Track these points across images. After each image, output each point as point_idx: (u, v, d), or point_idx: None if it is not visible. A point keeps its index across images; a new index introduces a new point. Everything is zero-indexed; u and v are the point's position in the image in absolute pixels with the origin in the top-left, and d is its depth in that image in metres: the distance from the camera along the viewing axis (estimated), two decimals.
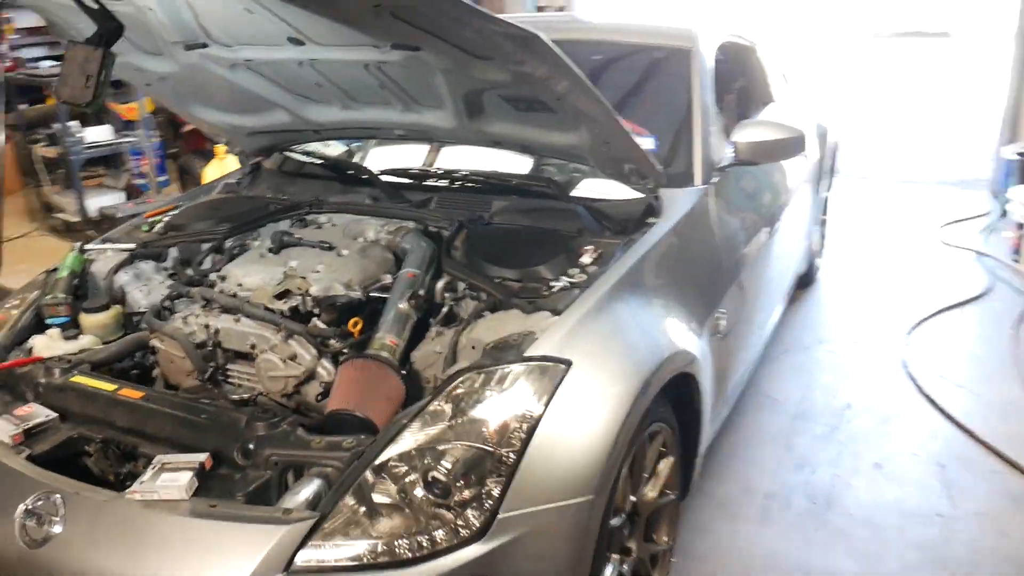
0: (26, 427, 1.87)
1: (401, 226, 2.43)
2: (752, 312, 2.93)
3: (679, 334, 2.15)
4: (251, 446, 1.74)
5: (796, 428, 3.25)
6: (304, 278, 2.18)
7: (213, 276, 2.33)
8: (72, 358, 2.14)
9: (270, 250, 2.37)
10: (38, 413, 1.93)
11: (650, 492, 2.15)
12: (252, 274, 2.26)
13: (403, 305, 2.09)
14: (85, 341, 2.24)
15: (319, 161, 3.04)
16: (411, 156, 2.92)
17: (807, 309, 4.38)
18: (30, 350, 2.22)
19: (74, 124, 5.63)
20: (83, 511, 1.67)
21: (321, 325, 2.10)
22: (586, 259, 2.19)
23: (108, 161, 6.32)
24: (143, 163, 6.04)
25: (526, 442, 1.67)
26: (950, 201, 6.24)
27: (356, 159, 3.10)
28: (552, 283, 2.09)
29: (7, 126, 5.24)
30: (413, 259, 2.25)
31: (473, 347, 1.95)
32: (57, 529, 1.64)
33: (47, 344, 2.22)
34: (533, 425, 1.69)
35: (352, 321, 2.07)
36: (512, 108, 2.29)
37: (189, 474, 1.67)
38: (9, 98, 5.60)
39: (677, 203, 2.49)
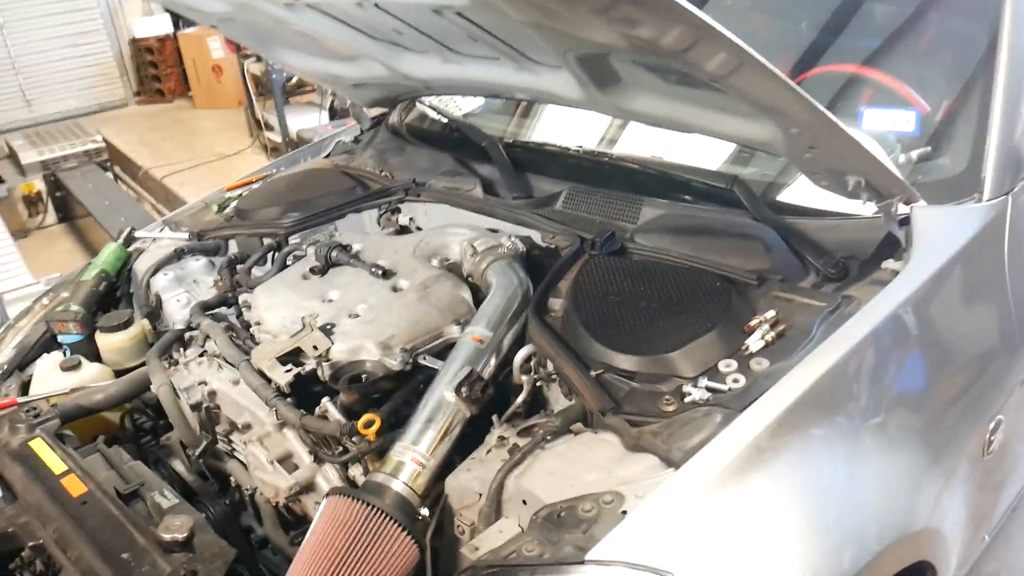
0: None
1: (496, 244, 1.67)
2: None
3: (914, 500, 1.24)
4: None
5: None
6: (330, 330, 1.50)
7: (242, 299, 1.73)
8: (60, 401, 1.65)
9: (313, 270, 1.71)
10: None
11: None
12: (277, 307, 1.62)
13: (449, 395, 1.34)
14: (88, 373, 1.75)
15: (443, 119, 2.31)
16: (580, 127, 2.08)
17: None
18: (29, 379, 1.77)
19: None
20: None
21: (334, 411, 1.41)
22: (755, 341, 1.31)
23: None
24: None
25: None
26: None
27: (520, 122, 2.31)
28: (687, 388, 1.25)
29: None
30: (490, 309, 1.49)
31: (524, 501, 1.19)
32: None
33: (43, 376, 1.75)
34: None
35: (364, 419, 1.34)
36: (660, 80, 1.41)
37: None
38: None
39: (944, 232, 1.48)
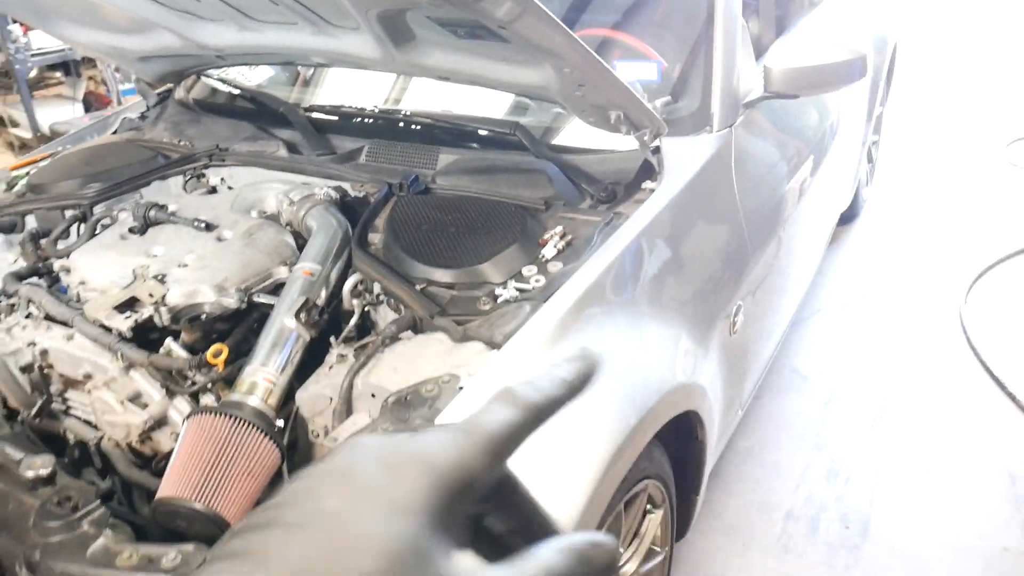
0: None
1: (309, 194, 1.82)
2: (782, 277, 2.30)
3: (680, 359, 1.56)
4: (37, 557, 1.20)
5: (828, 418, 2.66)
6: (162, 279, 1.59)
7: (57, 265, 1.75)
8: None
9: (132, 229, 1.77)
10: None
11: (631, 565, 1.60)
12: (101, 266, 1.67)
13: (289, 321, 1.49)
14: None
15: (235, 91, 2.40)
16: (369, 88, 2.25)
17: (848, 254, 3.70)
18: None
19: (15, 28, 4.95)
20: None
21: (178, 350, 1.51)
22: (549, 250, 1.58)
23: (67, 68, 5.66)
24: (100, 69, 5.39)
25: None
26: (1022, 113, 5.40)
27: (303, 90, 2.44)
28: (498, 291, 1.49)
29: None
30: (314, 248, 1.65)
31: (373, 395, 1.37)
32: None
33: None
34: None
35: (213, 349, 1.47)
36: (451, 35, 1.63)
37: None
38: None
39: (686, 157, 1.84)
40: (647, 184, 1.76)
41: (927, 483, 2.39)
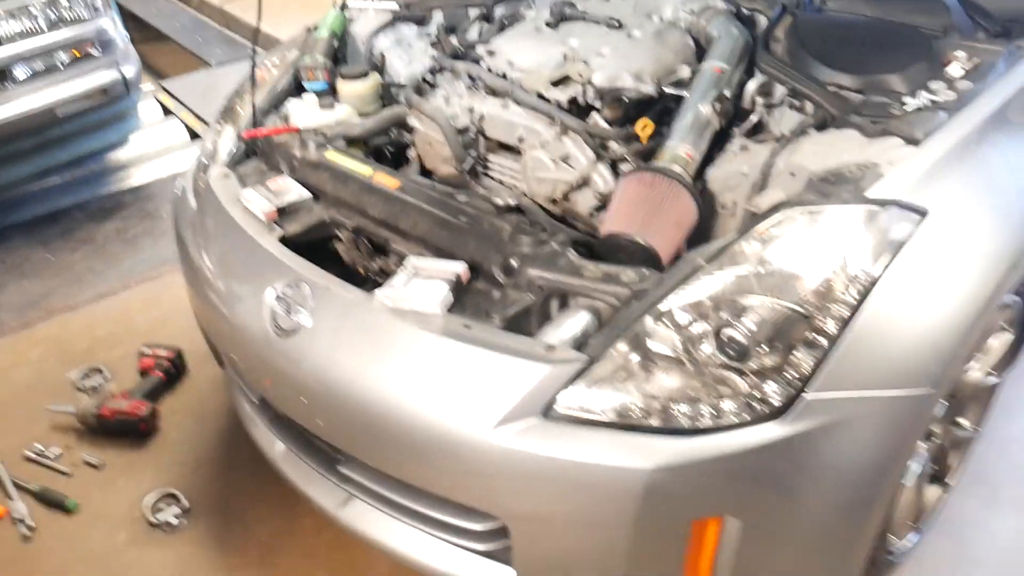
0: (280, 204, 1.74)
1: (708, 6, 1.96)
2: None
3: None
4: (514, 263, 1.49)
5: None
6: (587, 63, 1.81)
7: (481, 50, 2.01)
8: (328, 131, 1.95)
9: (548, 24, 2.00)
10: (291, 188, 1.79)
11: (975, 372, 1.72)
12: (525, 52, 1.92)
13: (704, 108, 1.68)
14: (341, 112, 2.04)
15: None
16: None
17: None
18: (286, 116, 2.06)
19: None
20: (331, 307, 1.53)
21: (603, 123, 1.74)
22: (956, 70, 1.65)
23: None
24: None
25: (855, 310, 1.29)
26: None
27: None
28: (906, 99, 1.59)
29: None
30: (721, 50, 1.81)
31: (793, 174, 1.53)
32: (306, 321, 1.52)
33: (303, 111, 2.04)
34: (866, 289, 1.30)
35: (641, 123, 1.69)
36: None
37: (445, 287, 1.46)
38: None
39: None
40: None
41: None
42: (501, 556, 1.51)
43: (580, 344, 1.37)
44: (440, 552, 1.58)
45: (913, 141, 1.48)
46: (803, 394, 1.27)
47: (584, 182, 1.74)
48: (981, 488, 2.06)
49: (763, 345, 1.29)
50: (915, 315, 1.33)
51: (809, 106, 1.66)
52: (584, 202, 1.75)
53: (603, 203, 1.71)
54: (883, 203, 1.36)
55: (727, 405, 1.28)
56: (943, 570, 1.90)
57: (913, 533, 1.84)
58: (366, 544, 1.68)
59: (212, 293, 1.74)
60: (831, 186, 1.44)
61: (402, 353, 1.43)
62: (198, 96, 4.27)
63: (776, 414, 1.28)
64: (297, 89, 2.16)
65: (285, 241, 1.68)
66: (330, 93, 2.10)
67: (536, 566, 1.48)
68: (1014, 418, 2.22)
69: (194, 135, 4.12)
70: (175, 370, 2.49)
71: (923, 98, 1.58)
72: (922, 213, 1.36)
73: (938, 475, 1.90)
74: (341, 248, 1.76)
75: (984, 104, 1.53)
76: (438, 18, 2.28)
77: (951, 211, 1.39)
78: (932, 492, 1.90)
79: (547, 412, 1.32)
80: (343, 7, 2.30)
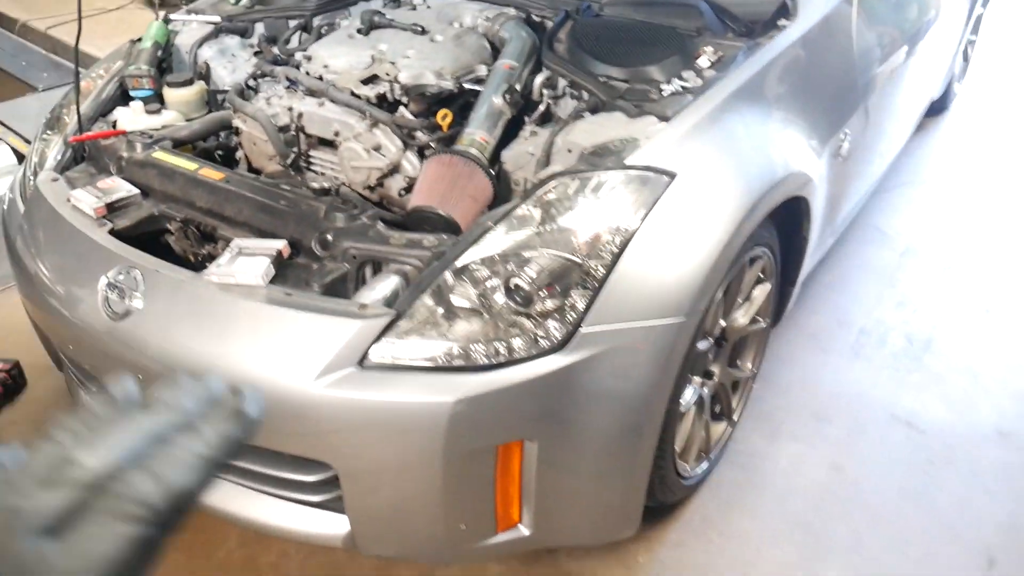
0: (108, 200, 1.84)
1: (501, 12, 2.22)
2: (876, 138, 2.65)
3: (797, 153, 1.94)
4: (329, 237, 1.67)
5: (903, 265, 3.04)
6: (393, 63, 2.02)
7: (299, 56, 2.19)
8: (154, 133, 2.07)
9: (359, 31, 2.20)
10: (120, 187, 1.90)
11: (741, 318, 2.03)
12: (339, 56, 2.11)
13: (497, 99, 1.92)
14: (168, 117, 2.17)
15: None
16: None
17: (934, 140, 4.00)
18: (114, 123, 2.16)
19: None
20: (162, 289, 1.65)
21: (408, 115, 1.96)
22: (704, 62, 1.97)
23: None
24: None
25: (617, 256, 1.55)
26: None
27: None
28: (663, 86, 1.89)
29: None
30: (512, 50, 2.06)
31: (569, 150, 1.79)
32: (138, 304, 1.64)
33: (130, 117, 2.15)
34: (627, 239, 1.56)
35: (441, 113, 1.92)
36: None
37: (266, 261, 1.62)
38: None
39: (814, 6, 2.19)
40: (782, 22, 2.11)
41: (984, 316, 2.76)
42: (334, 506, 1.67)
43: (391, 302, 1.56)
44: (279, 509, 1.72)
45: (665, 119, 1.76)
46: (579, 329, 1.51)
47: (395, 168, 1.94)
48: (766, 424, 2.39)
49: (544, 290, 1.52)
50: (668, 258, 1.59)
51: (585, 94, 1.93)
52: (395, 186, 1.96)
53: (411, 187, 1.92)
54: (639, 168, 1.63)
55: (517, 343, 1.50)
56: (734, 494, 2.19)
57: (705, 463, 2.13)
58: (215, 516, 1.79)
59: (45, 290, 1.82)
60: (598, 158, 1.70)
61: (231, 323, 1.58)
62: (25, 120, 4.20)
63: (558, 347, 1.51)
64: (124, 98, 2.26)
65: (116, 234, 1.79)
66: (157, 100, 2.22)
67: (366, 513, 1.65)
68: (795, 365, 2.58)
69: (22, 159, 4.05)
70: (12, 382, 2.50)
71: (676, 85, 1.88)
72: (671, 175, 1.64)
73: (723, 412, 2.20)
74: (172, 240, 1.88)
75: (723, 87, 1.84)
76: (260, 29, 2.43)
77: (695, 172, 1.68)
78: (719, 428, 2.20)
79: (362, 362, 1.49)
80: (166, 20, 2.42)
